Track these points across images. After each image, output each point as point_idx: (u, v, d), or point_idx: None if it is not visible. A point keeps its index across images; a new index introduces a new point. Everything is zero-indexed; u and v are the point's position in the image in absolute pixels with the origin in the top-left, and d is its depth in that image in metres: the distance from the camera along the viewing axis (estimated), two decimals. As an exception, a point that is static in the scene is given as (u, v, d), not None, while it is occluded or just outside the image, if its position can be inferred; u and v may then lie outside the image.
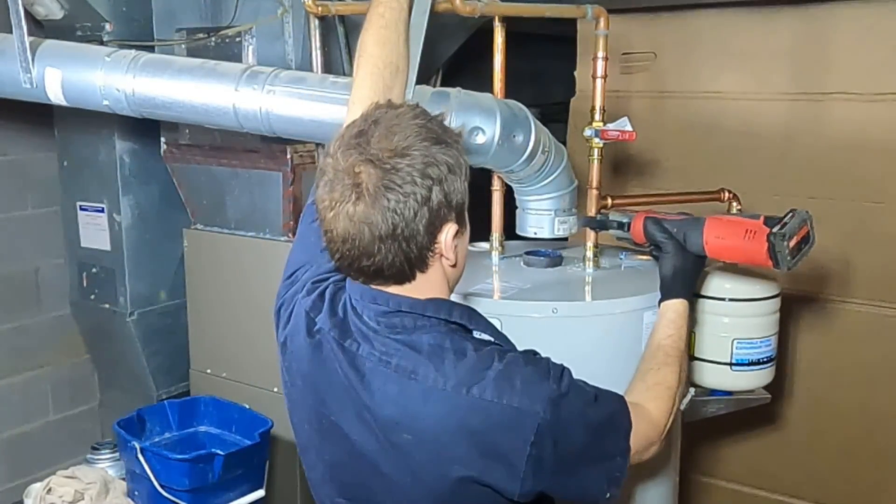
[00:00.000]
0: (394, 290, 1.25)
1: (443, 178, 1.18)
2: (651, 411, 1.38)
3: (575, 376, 1.26)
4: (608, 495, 1.27)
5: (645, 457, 1.36)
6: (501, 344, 1.28)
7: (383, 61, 1.55)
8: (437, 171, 1.18)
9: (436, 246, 1.22)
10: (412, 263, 1.22)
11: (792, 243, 1.65)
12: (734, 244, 1.71)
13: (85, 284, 2.88)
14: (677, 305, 1.66)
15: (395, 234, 1.17)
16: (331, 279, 1.36)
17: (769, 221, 1.69)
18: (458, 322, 1.26)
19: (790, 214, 1.69)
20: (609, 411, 1.28)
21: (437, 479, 1.20)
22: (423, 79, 2.32)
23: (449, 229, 1.22)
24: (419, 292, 1.24)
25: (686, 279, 1.71)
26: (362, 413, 1.23)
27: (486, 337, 1.28)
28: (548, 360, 1.25)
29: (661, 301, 1.69)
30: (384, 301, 1.24)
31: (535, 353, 1.27)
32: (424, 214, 1.18)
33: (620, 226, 1.95)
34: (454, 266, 1.27)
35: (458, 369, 1.19)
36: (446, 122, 1.25)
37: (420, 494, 1.23)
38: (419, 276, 1.24)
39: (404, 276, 1.24)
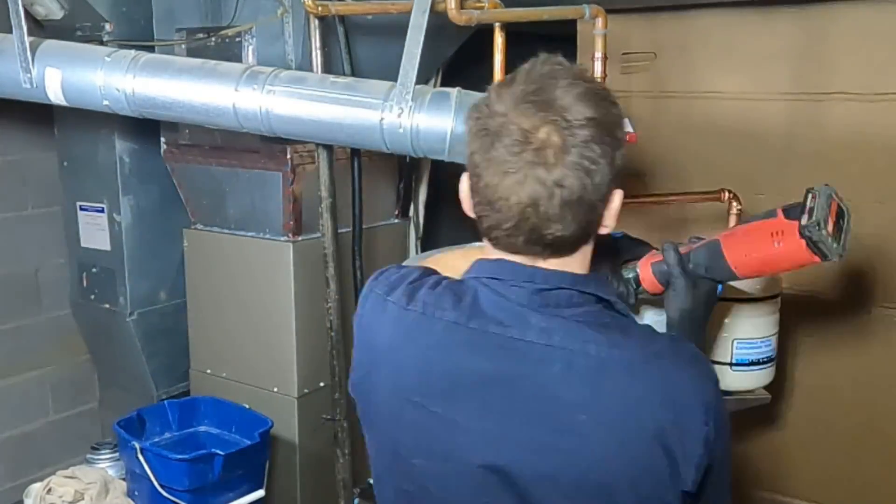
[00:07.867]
0: (552, 264, 1.15)
1: (623, 140, 1.13)
2: None
3: None
4: None
5: None
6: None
7: None
8: (621, 133, 1.12)
9: (605, 214, 1.15)
10: (587, 233, 1.15)
11: (830, 227, 1.34)
12: (767, 255, 1.39)
13: (85, 284, 2.88)
14: None
15: (583, 198, 1.09)
16: (422, 279, 1.25)
17: (790, 213, 1.37)
18: (607, 298, 1.19)
19: (810, 196, 1.38)
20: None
21: (616, 458, 1.11)
22: (423, 79, 2.32)
23: (617, 195, 1.14)
24: (573, 266, 1.16)
25: (696, 323, 1.40)
26: (523, 403, 1.12)
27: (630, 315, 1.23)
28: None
29: None
30: (543, 279, 1.15)
31: None
32: (607, 180, 1.10)
33: (630, 283, 1.46)
34: (603, 234, 1.19)
35: (630, 341, 1.12)
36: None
37: (599, 474, 1.11)
38: (580, 248, 1.16)
39: (572, 248, 1.15)
